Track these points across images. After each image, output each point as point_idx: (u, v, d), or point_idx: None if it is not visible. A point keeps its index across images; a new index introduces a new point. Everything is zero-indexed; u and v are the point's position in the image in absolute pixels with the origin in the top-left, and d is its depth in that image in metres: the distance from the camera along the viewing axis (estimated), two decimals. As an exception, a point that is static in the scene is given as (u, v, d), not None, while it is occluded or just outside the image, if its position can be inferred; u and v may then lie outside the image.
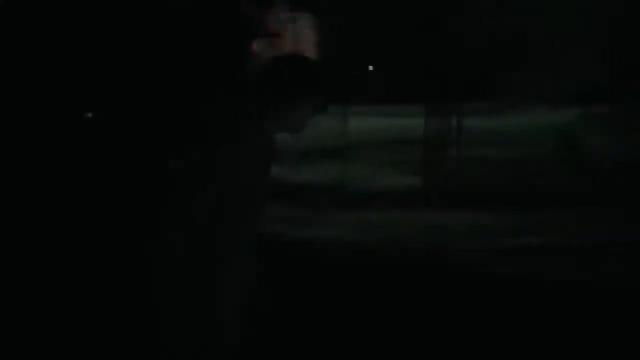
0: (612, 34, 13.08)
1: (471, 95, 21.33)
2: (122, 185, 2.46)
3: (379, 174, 13.92)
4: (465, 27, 21.12)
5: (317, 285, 6.72)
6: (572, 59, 18.01)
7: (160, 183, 2.35)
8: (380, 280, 6.96)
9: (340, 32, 28.64)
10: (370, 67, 32.93)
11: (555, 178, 11.81)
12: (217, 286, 2.23)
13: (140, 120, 3.30)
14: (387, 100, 26.78)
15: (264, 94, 2.66)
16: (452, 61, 15.21)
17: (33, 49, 5.16)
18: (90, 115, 5.74)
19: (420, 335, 5.60)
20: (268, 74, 3.02)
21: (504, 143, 16.07)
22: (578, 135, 11.76)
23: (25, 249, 4.60)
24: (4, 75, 5.21)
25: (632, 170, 11.47)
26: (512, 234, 8.97)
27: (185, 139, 2.33)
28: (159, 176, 2.38)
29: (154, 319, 2.30)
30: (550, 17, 21.70)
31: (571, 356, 5.34)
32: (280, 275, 7.04)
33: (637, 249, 7.95)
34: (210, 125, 2.34)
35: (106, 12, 5.53)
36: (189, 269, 2.21)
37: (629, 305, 6.25)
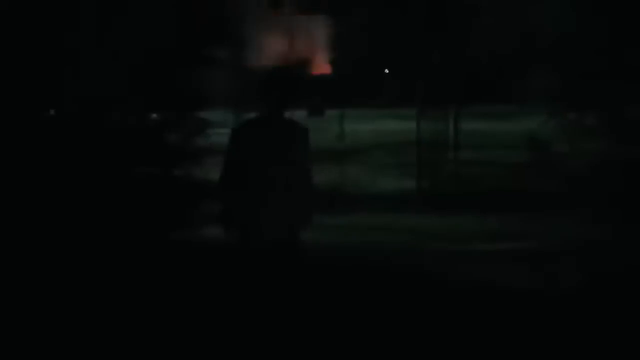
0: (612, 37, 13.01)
1: (477, 98, 21.31)
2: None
3: (378, 176, 13.94)
4: (473, 31, 21.10)
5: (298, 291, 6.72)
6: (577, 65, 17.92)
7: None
8: (362, 287, 6.94)
9: (349, 34, 28.70)
10: (386, 71, 33.02)
11: (550, 182, 11.76)
12: None
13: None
14: (390, 102, 26.83)
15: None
16: (457, 64, 15.16)
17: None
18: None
19: (400, 344, 5.62)
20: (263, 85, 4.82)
21: (507, 147, 16.05)
22: (551, 140, 11.76)
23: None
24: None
25: (625, 173, 11.41)
26: (502, 239, 8.89)
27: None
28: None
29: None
30: (558, 22, 21.62)
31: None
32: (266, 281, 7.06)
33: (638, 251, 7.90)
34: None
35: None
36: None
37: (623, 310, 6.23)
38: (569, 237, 8.73)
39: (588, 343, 5.50)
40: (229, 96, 13.88)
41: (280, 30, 19.31)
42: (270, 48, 22.71)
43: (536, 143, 13.11)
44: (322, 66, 34.04)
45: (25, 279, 5.77)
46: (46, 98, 5.80)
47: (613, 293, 6.57)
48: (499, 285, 6.91)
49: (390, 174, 14.12)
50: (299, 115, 8.27)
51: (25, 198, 5.96)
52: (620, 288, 6.71)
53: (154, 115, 7.16)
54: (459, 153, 13.43)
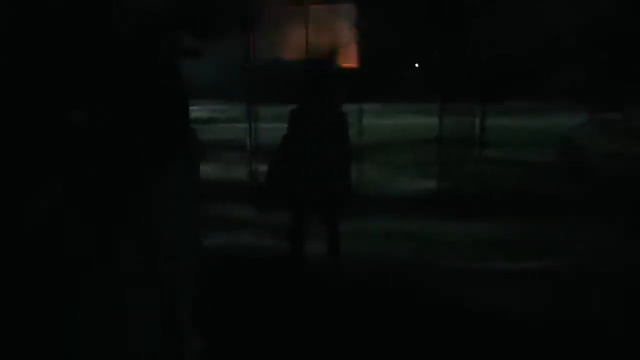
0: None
1: (505, 94, 20.63)
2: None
3: (397, 176, 13.24)
4: (502, 25, 20.41)
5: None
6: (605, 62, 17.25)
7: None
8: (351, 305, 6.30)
9: (372, 27, 28.13)
10: (416, 65, 32.42)
11: (584, 186, 10.95)
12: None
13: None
14: (413, 97, 26.19)
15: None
16: (483, 59, 14.43)
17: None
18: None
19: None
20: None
21: (536, 145, 15.35)
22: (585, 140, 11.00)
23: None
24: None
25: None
26: (527, 253, 8.04)
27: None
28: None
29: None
30: (584, 20, 21.01)
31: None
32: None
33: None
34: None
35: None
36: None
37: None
38: (605, 253, 7.87)
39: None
40: (247, 90, 13.30)
41: (303, 22, 18.73)
42: (294, 40, 22.17)
43: (568, 143, 12.37)
44: (345, 59, 33.44)
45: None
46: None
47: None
48: (519, 311, 6.10)
49: (409, 173, 13.42)
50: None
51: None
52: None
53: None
54: (484, 151, 12.63)
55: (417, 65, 32.70)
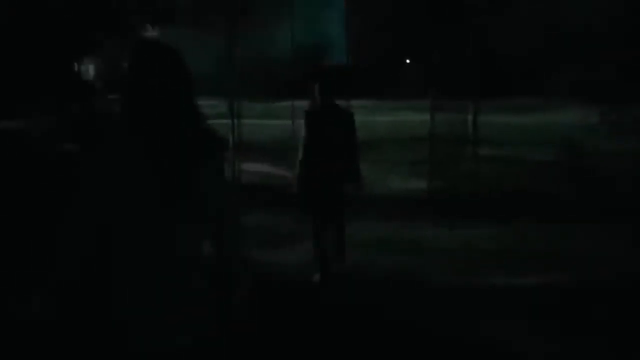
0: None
1: (500, 90, 20.25)
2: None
3: (388, 175, 12.79)
4: (503, 21, 20.07)
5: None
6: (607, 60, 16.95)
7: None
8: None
9: (366, 23, 27.70)
10: (407, 61, 32.03)
11: (585, 187, 10.50)
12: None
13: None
14: (407, 94, 25.78)
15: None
16: (478, 55, 14.01)
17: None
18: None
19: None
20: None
21: (532, 143, 14.98)
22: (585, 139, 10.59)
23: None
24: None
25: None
26: (527, 263, 7.49)
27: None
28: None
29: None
30: (585, 18, 20.70)
31: None
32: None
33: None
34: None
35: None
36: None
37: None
38: (613, 262, 7.35)
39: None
40: (231, 85, 12.87)
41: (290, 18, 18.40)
42: (283, 37, 21.79)
43: (572, 143, 11.94)
44: (336, 56, 33.00)
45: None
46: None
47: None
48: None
49: (401, 172, 12.98)
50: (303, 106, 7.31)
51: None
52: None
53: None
54: (478, 149, 12.16)
55: (408, 61, 32.33)
